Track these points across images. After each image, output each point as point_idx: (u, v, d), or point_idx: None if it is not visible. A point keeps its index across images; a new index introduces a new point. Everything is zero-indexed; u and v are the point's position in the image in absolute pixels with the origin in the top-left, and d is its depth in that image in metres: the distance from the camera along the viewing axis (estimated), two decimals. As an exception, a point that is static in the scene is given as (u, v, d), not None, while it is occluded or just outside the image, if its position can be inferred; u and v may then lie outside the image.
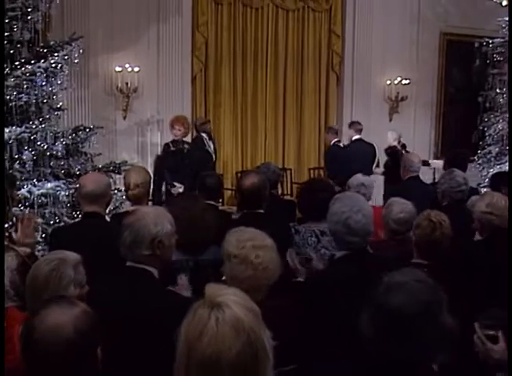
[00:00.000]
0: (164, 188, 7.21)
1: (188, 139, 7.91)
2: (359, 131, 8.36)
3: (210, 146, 8.15)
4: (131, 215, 2.54)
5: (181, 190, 6.75)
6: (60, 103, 5.96)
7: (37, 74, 5.36)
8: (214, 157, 8.20)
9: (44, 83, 5.44)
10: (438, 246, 3.13)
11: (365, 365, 1.78)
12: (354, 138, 8.37)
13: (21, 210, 4.95)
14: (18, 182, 5.19)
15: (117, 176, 6.06)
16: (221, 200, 7.30)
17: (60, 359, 1.59)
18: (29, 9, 5.40)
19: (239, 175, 9.26)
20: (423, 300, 1.71)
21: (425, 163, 8.13)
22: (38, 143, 5.34)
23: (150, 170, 8.86)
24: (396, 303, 1.71)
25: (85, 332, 1.61)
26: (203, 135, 8.11)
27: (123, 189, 4.67)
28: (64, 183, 5.51)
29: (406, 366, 1.71)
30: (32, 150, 5.31)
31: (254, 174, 3.97)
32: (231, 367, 1.38)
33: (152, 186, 7.51)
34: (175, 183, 6.95)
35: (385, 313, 1.72)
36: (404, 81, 10.37)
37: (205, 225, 3.15)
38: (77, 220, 5.20)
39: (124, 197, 5.00)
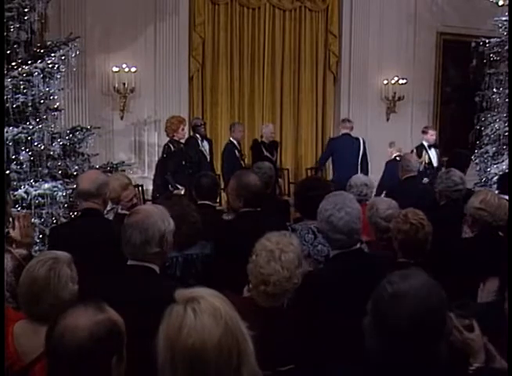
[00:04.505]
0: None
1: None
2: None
3: (204, 147, 8.19)
4: (134, 214, 2.53)
5: (182, 192, 6.74)
6: (57, 104, 5.95)
7: (34, 75, 5.36)
8: (208, 157, 8.24)
9: (41, 83, 5.43)
10: (423, 245, 3.17)
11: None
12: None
13: (18, 210, 4.94)
14: (15, 183, 5.19)
15: (114, 176, 6.05)
16: (218, 200, 7.29)
17: (72, 360, 1.59)
18: (25, 9, 5.40)
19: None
20: (436, 307, 1.66)
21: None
22: (35, 144, 5.34)
23: (147, 170, 8.92)
24: (407, 314, 1.63)
25: (100, 339, 1.60)
26: (197, 135, 8.17)
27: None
28: (61, 184, 5.50)
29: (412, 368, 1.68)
30: (29, 151, 5.30)
31: (252, 172, 3.99)
32: (216, 353, 1.41)
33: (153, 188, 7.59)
34: (178, 185, 6.94)
35: (396, 327, 1.64)
36: (401, 81, 10.38)
37: (191, 221, 3.22)
38: (75, 217, 5.21)
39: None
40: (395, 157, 8.33)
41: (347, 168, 8.19)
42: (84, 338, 1.58)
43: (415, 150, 8.20)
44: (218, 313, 1.44)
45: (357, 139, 8.60)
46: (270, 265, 2.41)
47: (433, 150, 8.29)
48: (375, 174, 7.92)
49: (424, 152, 8.24)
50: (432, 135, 8.35)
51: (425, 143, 8.34)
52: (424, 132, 8.48)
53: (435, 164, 8.26)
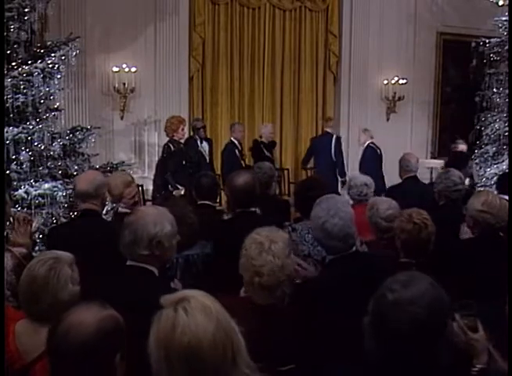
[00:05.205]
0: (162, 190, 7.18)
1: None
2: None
3: (203, 148, 8.21)
4: (131, 214, 2.54)
5: (182, 193, 6.74)
6: (57, 104, 5.95)
7: (34, 75, 5.36)
8: (207, 158, 8.25)
9: (41, 83, 5.43)
10: (426, 245, 3.16)
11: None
12: None
13: (18, 211, 4.94)
14: (15, 183, 5.19)
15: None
16: (218, 200, 7.28)
17: (77, 358, 1.58)
18: (26, 10, 5.40)
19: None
20: (438, 311, 1.64)
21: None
22: (35, 144, 5.34)
23: (147, 170, 8.92)
24: (409, 319, 1.60)
25: (105, 336, 1.60)
26: (196, 136, 8.20)
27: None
28: (61, 184, 5.50)
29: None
30: (29, 151, 5.31)
31: (244, 172, 3.97)
32: (212, 349, 1.42)
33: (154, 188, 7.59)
34: (178, 185, 6.94)
35: (397, 330, 1.61)
36: (401, 81, 10.39)
37: (189, 222, 3.23)
38: (73, 217, 5.21)
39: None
40: (369, 144, 8.80)
41: (325, 164, 8.70)
42: (90, 334, 1.58)
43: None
44: (209, 310, 1.46)
45: (333, 136, 8.96)
46: (261, 256, 2.41)
47: None
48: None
49: None
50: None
51: None
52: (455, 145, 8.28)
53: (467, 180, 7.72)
